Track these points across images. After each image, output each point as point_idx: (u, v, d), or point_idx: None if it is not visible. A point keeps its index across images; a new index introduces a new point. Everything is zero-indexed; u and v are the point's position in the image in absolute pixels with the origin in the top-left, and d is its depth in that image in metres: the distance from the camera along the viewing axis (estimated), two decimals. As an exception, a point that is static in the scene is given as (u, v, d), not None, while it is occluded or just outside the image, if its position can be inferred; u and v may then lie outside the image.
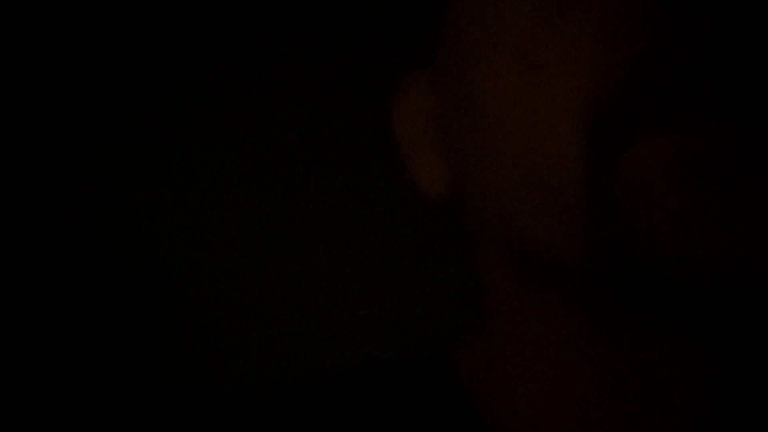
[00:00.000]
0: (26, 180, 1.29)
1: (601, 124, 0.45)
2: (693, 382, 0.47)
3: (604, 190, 0.45)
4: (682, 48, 0.44)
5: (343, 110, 1.30)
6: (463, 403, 0.53)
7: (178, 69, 1.28)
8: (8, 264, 1.28)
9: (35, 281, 1.29)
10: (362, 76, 1.27)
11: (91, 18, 1.27)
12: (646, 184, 0.44)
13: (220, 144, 1.31)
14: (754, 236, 0.43)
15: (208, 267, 1.33)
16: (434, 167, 0.56)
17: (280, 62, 1.29)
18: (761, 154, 0.43)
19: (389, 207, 1.31)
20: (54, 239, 1.30)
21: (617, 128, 0.45)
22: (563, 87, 0.46)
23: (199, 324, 1.33)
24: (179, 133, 1.30)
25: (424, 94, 0.57)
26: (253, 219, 1.32)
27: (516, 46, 0.48)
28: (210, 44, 1.28)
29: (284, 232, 1.33)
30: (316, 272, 1.33)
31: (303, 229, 1.33)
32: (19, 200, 1.29)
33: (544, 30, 0.47)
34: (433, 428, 0.53)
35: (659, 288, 0.44)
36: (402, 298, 1.33)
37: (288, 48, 1.29)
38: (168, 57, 1.28)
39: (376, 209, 1.32)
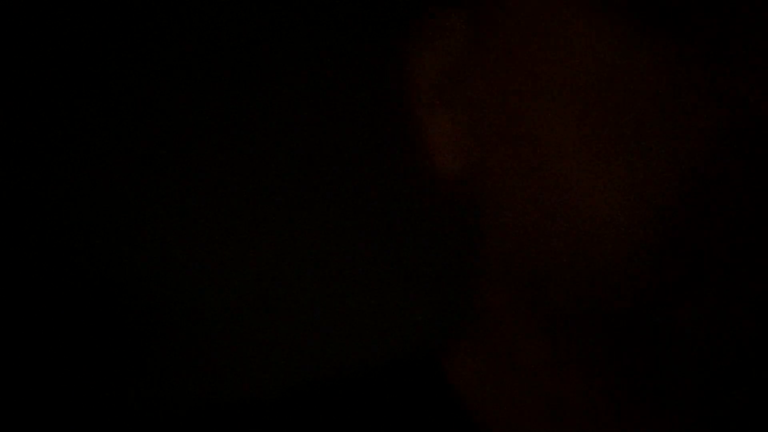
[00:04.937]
0: (23, 182, 1.29)
1: (671, 260, 0.41)
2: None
3: (652, 332, 0.43)
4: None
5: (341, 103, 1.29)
6: (457, 410, 0.52)
7: (175, 70, 1.28)
8: (5, 266, 1.29)
9: (33, 283, 1.29)
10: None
11: (91, 18, 1.27)
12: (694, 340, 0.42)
13: (214, 136, 1.30)
14: None
15: (204, 267, 1.32)
16: (454, 130, 0.46)
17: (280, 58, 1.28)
18: None
19: (382, 203, 1.29)
20: (51, 242, 1.30)
21: (684, 270, 0.41)
22: (642, 202, 0.41)
23: (191, 325, 1.32)
24: (173, 132, 1.30)
25: (450, 42, 0.47)
26: (246, 214, 1.32)
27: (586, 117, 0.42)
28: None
29: (276, 231, 1.32)
30: (308, 273, 1.32)
31: (295, 227, 1.32)
32: (16, 202, 1.29)
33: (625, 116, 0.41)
34: (426, 428, 0.51)
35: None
36: (394, 300, 1.32)
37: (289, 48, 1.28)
38: (165, 59, 1.28)
39: (368, 205, 1.30)
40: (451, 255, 1.21)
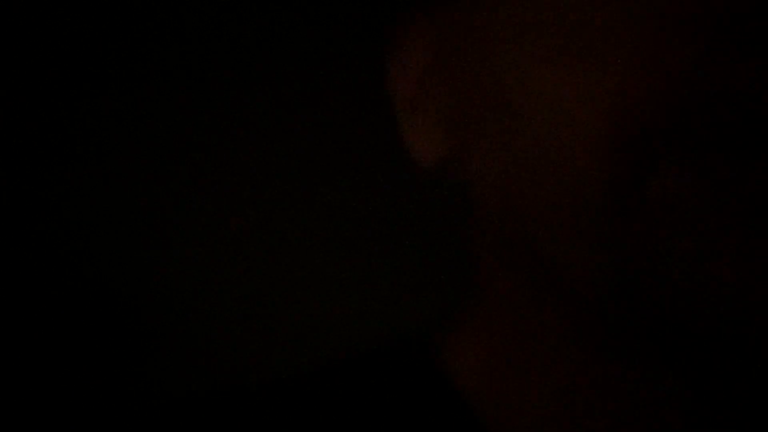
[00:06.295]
0: (23, 182, 1.29)
1: (634, 144, 0.42)
2: (670, 390, 0.46)
3: (630, 211, 0.43)
4: (737, 74, 0.41)
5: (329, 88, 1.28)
6: (449, 396, 0.51)
7: (175, 70, 1.28)
8: (5, 266, 1.28)
9: (30, 282, 1.29)
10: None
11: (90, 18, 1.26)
12: (677, 213, 0.42)
13: (209, 137, 1.30)
14: None
15: (193, 261, 1.32)
16: (432, 131, 0.50)
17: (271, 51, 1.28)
18: None
19: (376, 194, 1.29)
20: (51, 241, 1.29)
21: (651, 150, 0.42)
22: (603, 92, 0.43)
23: (176, 318, 1.32)
24: (171, 131, 1.30)
25: (427, 43, 0.51)
26: (245, 205, 1.32)
27: (559, 30, 0.44)
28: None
29: (273, 218, 1.32)
30: (296, 260, 1.32)
31: (292, 215, 1.32)
32: (16, 202, 1.29)
33: (596, 21, 0.43)
34: (419, 422, 0.50)
35: (667, 320, 0.43)
36: (386, 282, 1.31)
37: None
38: (165, 59, 1.28)
39: (363, 195, 1.30)
40: (447, 241, 1.21)
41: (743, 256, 0.41)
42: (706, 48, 0.41)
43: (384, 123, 0.52)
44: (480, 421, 0.50)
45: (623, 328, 0.45)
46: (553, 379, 0.48)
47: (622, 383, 0.46)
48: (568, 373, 0.47)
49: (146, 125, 1.29)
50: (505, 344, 0.50)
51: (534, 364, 0.49)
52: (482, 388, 0.50)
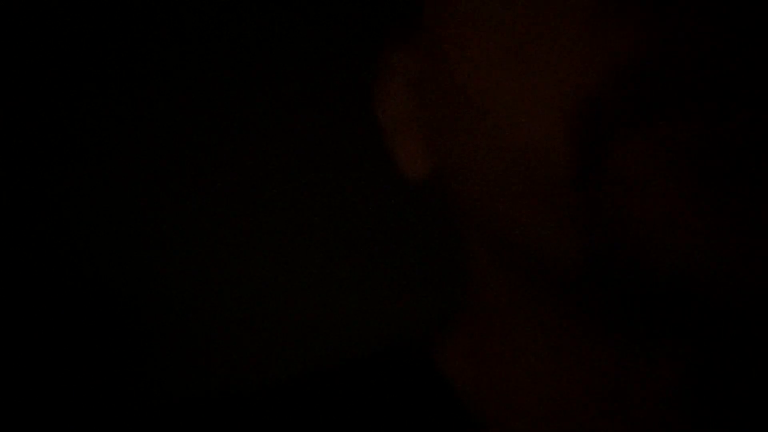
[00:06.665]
0: (23, 182, 1.29)
1: (590, 119, 0.44)
2: (668, 386, 0.47)
3: (593, 186, 0.44)
4: (676, 40, 0.43)
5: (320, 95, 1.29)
6: (449, 398, 0.51)
7: (175, 70, 1.28)
8: (3, 267, 1.28)
9: (31, 282, 1.29)
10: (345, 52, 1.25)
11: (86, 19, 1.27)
12: (636, 182, 0.43)
13: (208, 138, 1.30)
14: (747, 241, 0.42)
15: (194, 264, 1.32)
16: (417, 149, 0.54)
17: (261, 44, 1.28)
18: (759, 151, 0.42)
19: (369, 195, 1.29)
20: (51, 242, 1.29)
21: (608, 123, 0.43)
22: (552, 79, 0.45)
23: (179, 321, 1.32)
24: (172, 132, 1.30)
25: (408, 72, 0.55)
26: (232, 207, 1.32)
27: (505, 33, 0.47)
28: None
29: (263, 222, 1.32)
30: (295, 265, 1.32)
31: (282, 219, 1.32)
32: (16, 203, 1.29)
33: (535, 19, 0.46)
34: (419, 423, 0.51)
35: (645, 290, 0.43)
36: (383, 289, 1.32)
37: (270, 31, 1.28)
38: (160, 61, 1.28)
39: (355, 197, 1.30)
40: (445, 243, 1.22)
41: (702, 212, 0.42)
42: (645, 23, 0.43)
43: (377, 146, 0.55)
44: (479, 421, 0.50)
45: (614, 316, 0.45)
46: (552, 378, 0.48)
47: (620, 380, 0.46)
48: (567, 373, 0.48)
49: (146, 125, 1.29)
50: (504, 345, 0.50)
51: (532, 363, 0.49)
52: (481, 389, 0.51)
